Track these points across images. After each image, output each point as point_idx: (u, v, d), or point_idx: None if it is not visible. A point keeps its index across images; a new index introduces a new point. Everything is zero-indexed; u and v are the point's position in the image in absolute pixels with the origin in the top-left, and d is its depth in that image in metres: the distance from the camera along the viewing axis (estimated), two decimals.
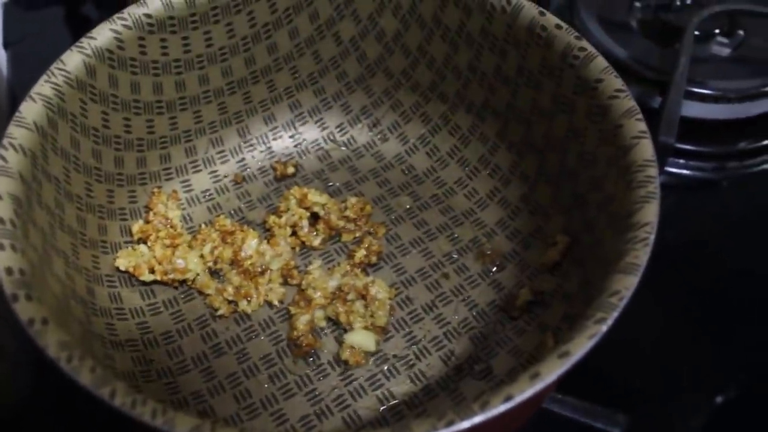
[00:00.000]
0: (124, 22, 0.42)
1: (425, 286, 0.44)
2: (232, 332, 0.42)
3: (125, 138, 0.44)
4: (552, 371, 0.28)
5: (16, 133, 0.37)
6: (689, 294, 0.46)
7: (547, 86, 0.42)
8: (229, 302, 0.43)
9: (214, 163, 0.49)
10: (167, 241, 0.44)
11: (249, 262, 0.44)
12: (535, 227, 0.44)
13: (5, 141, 0.36)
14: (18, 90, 0.58)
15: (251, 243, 0.44)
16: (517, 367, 0.40)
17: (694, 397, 0.42)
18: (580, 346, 0.28)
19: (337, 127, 0.51)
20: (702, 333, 0.44)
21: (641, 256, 0.31)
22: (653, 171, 0.34)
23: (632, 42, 0.56)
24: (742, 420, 0.41)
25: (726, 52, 0.56)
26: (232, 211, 0.48)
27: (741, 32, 0.56)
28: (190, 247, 0.44)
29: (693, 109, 0.53)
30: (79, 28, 0.61)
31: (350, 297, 0.42)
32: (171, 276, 0.43)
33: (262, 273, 0.44)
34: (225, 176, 0.49)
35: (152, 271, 0.43)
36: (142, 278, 0.43)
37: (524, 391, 0.27)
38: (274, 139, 0.50)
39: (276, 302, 0.43)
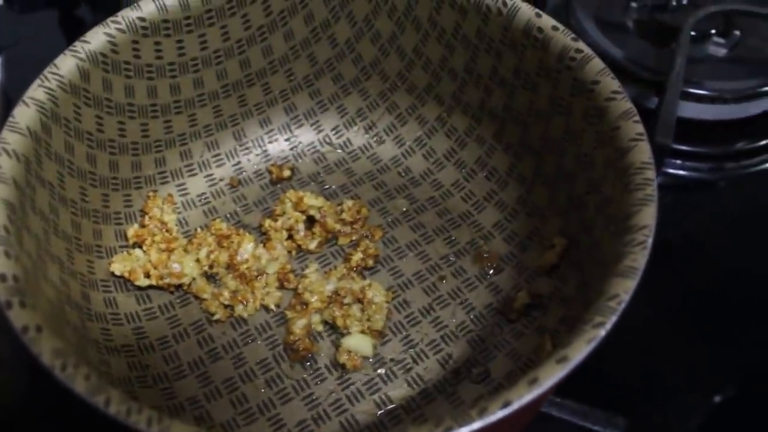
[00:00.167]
0: (117, 26, 0.42)
1: (422, 289, 0.44)
2: (228, 337, 0.42)
3: (120, 142, 0.44)
4: (550, 376, 0.28)
5: (9, 138, 0.37)
6: (687, 294, 0.46)
7: (543, 88, 0.42)
8: (225, 307, 0.43)
9: (210, 167, 0.49)
10: (163, 246, 0.44)
11: (245, 266, 0.44)
12: (533, 229, 0.44)
13: None
14: (12, 93, 0.57)
15: (247, 247, 0.44)
16: (515, 371, 0.39)
17: (693, 397, 0.42)
18: (579, 351, 0.28)
19: (333, 129, 0.51)
20: (699, 333, 0.44)
21: (639, 259, 0.31)
22: (651, 173, 0.34)
23: (628, 42, 0.56)
24: (741, 420, 0.41)
25: (722, 52, 0.56)
26: (228, 215, 0.47)
27: (737, 32, 0.56)
28: (186, 251, 0.44)
29: (690, 110, 0.53)
30: (74, 31, 0.61)
31: (347, 300, 0.42)
32: (167, 280, 0.43)
33: (258, 277, 0.43)
34: (220, 180, 0.49)
35: (148, 275, 0.43)
36: (137, 283, 0.43)
37: (522, 397, 0.27)
38: (270, 142, 0.50)
39: (272, 306, 0.43)
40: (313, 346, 0.41)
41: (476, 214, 0.46)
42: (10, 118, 0.37)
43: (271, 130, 0.50)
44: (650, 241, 0.32)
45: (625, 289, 0.30)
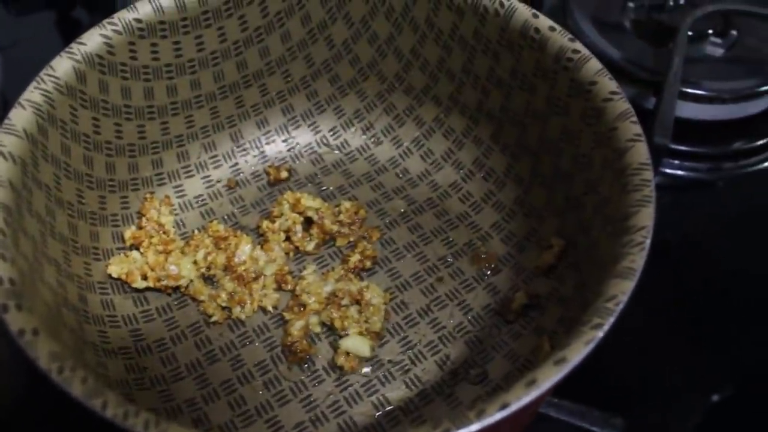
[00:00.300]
0: (114, 27, 0.42)
1: (420, 291, 0.44)
2: (226, 339, 0.42)
3: (116, 144, 0.44)
4: (549, 378, 0.28)
5: (5, 140, 0.36)
6: (684, 294, 0.46)
7: (541, 89, 0.42)
8: (223, 308, 0.43)
9: (207, 168, 0.49)
10: (160, 248, 0.44)
11: (242, 267, 0.43)
12: (530, 230, 0.44)
13: None
14: (9, 95, 0.57)
15: (245, 248, 0.44)
16: (513, 372, 0.39)
17: (690, 397, 0.42)
18: (577, 352, 0.28)
19: (330, 130, 0.50)
20: (697, 333, 0.44)
21: (637, 260, 0.31)
22: (648, 174, 0.34)
23: (626, 42, 0.56)
24: (739, 420, 0.41)
25: (720, 52, 0.56)
26: (226, 217, 0.47)
27: (734, 32, 0.56)
28: (183, 253, 0.44)
29: (687, 110, 0.53)
30: (71, 32, 0.61)
31: (345, 302, 0.42)
32: (164, 282, 0.43)
33: (256, 279, 0.43)
34: (218, 181, 0.49)
35: (145, 277, 0.43)
36: (134, 285, 0.43)
37: (520, 399, 0.27)
38: (267, 143, 0.50)
39: (270, 308, 0.43)
40: (311, 347, 0.41)
41: (474, 215, 0.46)
42: (6, 121, 0.37)
43: (269, 132, 0.50)
44: (648, 242, 0.32)
45: (623, 291, 0.30)
